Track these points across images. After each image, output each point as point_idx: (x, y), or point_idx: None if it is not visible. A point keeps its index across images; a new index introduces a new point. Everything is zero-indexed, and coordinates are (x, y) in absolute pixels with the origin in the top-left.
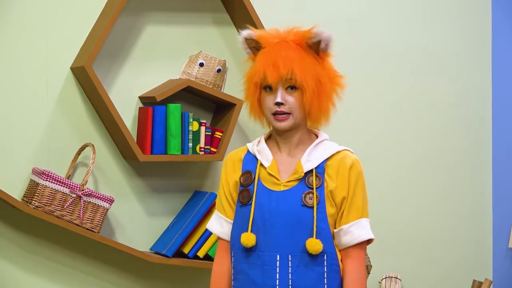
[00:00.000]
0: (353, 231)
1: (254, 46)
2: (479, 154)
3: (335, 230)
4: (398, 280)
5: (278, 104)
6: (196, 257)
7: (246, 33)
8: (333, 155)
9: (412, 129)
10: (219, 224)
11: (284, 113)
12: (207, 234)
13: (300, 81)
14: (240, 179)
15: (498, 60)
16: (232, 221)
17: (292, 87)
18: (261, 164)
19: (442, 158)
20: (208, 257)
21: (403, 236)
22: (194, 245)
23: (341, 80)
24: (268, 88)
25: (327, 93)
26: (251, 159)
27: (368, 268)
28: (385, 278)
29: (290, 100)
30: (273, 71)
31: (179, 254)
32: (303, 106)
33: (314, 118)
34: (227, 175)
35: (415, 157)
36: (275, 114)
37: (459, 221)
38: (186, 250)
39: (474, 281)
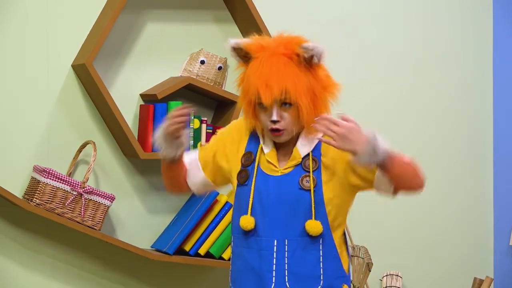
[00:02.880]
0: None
1: (244, 55)
2: (480, 153)
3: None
4: (399, 277)
5: (273, 122)
6: (197, 254)
7: (233, 42)
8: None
9: (413, 127)
10: (188, 157)
11: (279, 129)
12: (208, 231)
13: (294, 99)
14: (241, 159)
15: (499, 59)
16: (203, 173)
17: (286, 103)
18: (262, 149)
19: (443, 157)
20: (209, 255)
21: (404, 234)
22: (195, 242)
23: (335, 89)
24: (263, 105)
25: (322, 102)
26: (255, 140)
27: (369, 266)
28: (386, 275)
29: (286, 116)
30: (266, 91)
31: (180, 251)
32: (298, 120)
33: (311, 127)
34: (225, 140)
35: (416, 155)
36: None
37: (460, 219)
38: (187, 247)
39: (475, 278)
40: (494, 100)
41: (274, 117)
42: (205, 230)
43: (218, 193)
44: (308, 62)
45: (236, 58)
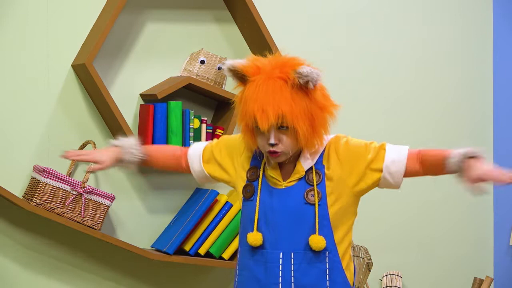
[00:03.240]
0: (392, 158)
1: (241, 77)
2: None
3: (382, 179)
4: (399, 277)
5: (271, 145)
6: (197, 254)
7: (229, 64)
8: (325, 147)
9: (413, 125)
10: (195, 147)
11: (277, 151)
12: (208, 231)
13: (291, 123)
14: (247, 173)
15: (499, 59)
16: (203, 171)
17: (283, 127)
18: (265, 164)
19: None
20: (209, 255)
21: (405, 234)
22: (195, 242)
23: (333, 108)
24: (260, 129)
25: (320, 124)
26: (259, 155)
27: (369, 266)
28: (386, 275)
29: (284, 139)
30: (263, 117)
31: (180, 251)
32: (296, 142)
33: (310, 147)
34: (234, 149)
35: None
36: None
37: (460, 218)
38: (187, 247)
39: (475, 278)
40: (494, 98)
41: (272, 141)
42: (205, 230)
43: (218, 193)
44: (304, 85)
45: (233, 79)
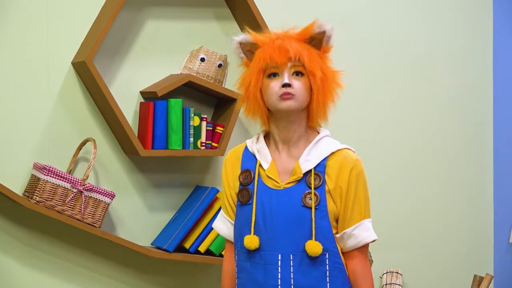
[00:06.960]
0: (357, 233)
1: (249, 50)
2: (480, 149)
3: (337, 235)
4: (399, 275)
5: (285, 85)
6: (197, 252)
7: (241, 37)
8: (333, 154)
9: (413, 124)
10: (224, 226)
11: (290, 93)
12: (208, 229)
13: (308, 66)
14: (239, 177)
15: (499, 59)
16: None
17: (297, 73)
18: (260, 165)
19: (443, 153)
20: (209, 252)
21: (404, 231)
22: (195, 240)
23: (341, 79)
24: (273, 75)
25: (329, 88)
26: (250, 157)
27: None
28: (386, 273)
29: (297, 84)
30: (281, 53)
31: (180, 249)
32: (308, 92)
33: (315, 112)
34: (227, 177)
35: (416, 152)
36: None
37: (460, 216)
38: (187, 245)
39: (475, 276)
40: (494, 96)
41: (286, 80)
42: (205, 228)
43: (218, 190)
44: (318, 44)
45: (240, 55)
